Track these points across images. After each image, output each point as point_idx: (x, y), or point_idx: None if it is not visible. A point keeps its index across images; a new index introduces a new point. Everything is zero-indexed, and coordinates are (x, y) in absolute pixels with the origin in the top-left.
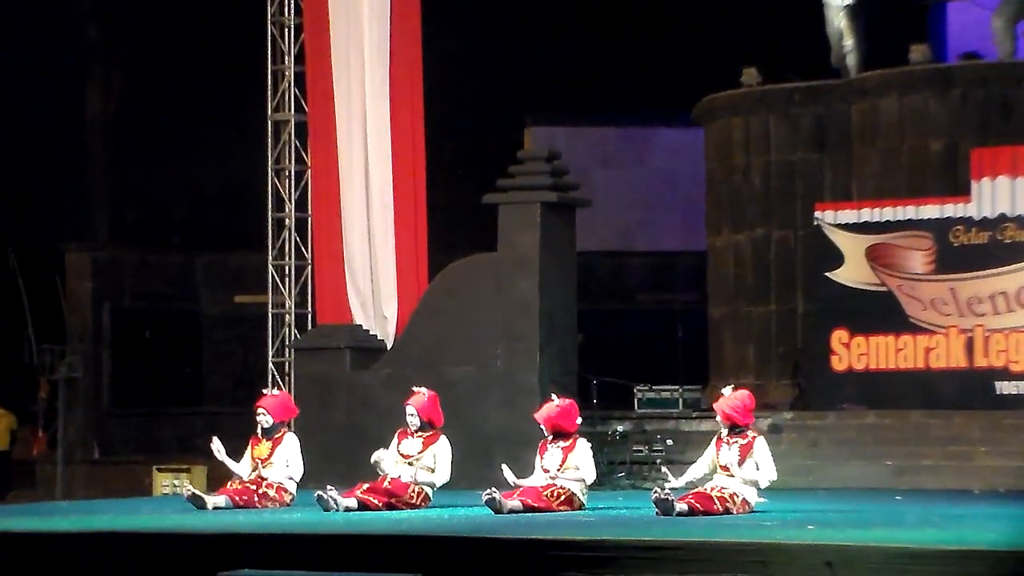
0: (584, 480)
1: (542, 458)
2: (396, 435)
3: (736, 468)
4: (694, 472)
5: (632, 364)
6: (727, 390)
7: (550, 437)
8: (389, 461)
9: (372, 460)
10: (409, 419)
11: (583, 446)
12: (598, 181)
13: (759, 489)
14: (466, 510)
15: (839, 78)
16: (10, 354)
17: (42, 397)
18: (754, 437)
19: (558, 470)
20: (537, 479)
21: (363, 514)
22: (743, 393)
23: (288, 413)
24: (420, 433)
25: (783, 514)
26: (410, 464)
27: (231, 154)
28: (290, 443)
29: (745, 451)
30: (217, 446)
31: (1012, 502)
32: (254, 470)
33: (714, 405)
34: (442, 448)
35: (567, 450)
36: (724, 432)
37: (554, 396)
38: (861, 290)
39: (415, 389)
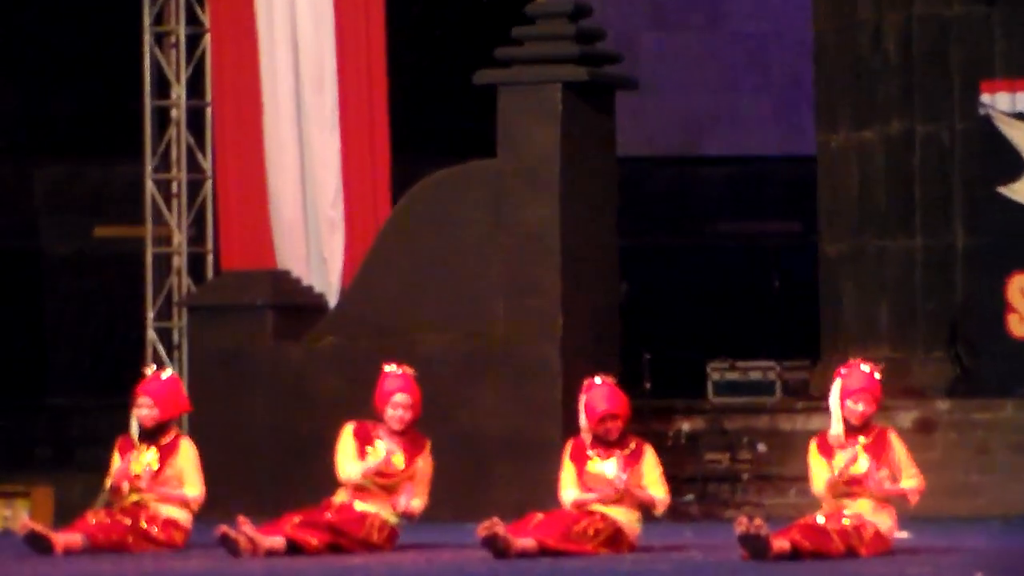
0: (655, 505)
1: (583, 465)
2: (351, 435)
3: (873, 480)
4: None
5: (704, 328)
6: (865, 367)
7: (590, 439)
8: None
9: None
10: (397, 414)
11: (652, 456)
12: (649, 51)
13: (902, 506)
14: (453, 553)
15: None
16: None
17: None
18: (883, 431)
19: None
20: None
21: (294, 561)
22: (868, 367)
23: (180, 406)
24: (400, 437)
25: (936, 556)
26: (388, 488)
27: (88, 13)
28: (187, 452)
29: (880, 452)
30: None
31: None
32: (128, 493)
33: (865, 390)
34: (428, 462)
35: (630, 461)
36: (837, 431)
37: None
38: None
39: (388, 370)
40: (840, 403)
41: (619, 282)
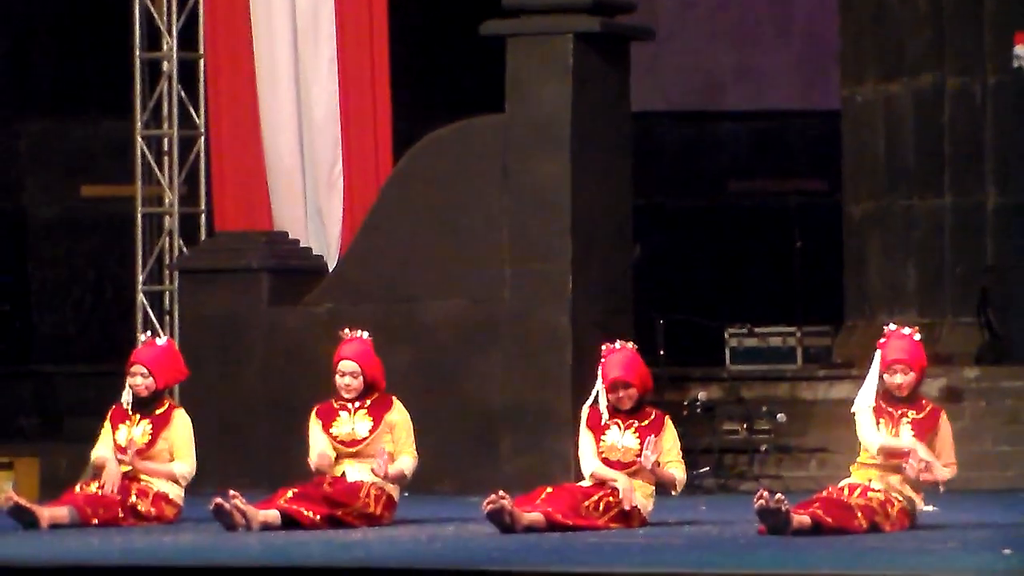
0: (675, 486)
1: (600, 440)
2: (314, 414)
3: (917, 456)
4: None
5: (721, 292)
6: (903, 330)
7: (606, 413)
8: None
9: (315, 467)
10: (343, 382)
11: (673, 430)
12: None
13: (932, 490)
14: (457, 527)
15: None
16: None
17: None
18: (936, 410)
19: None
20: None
21: (291, 535)
22: (907, 331)
23: (176, 374)
24: (360, 403)
25: (962, 531)
26: (356, 454)
27: None
28: (181, 424)
29: (927, 429)
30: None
31: None
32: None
33: (907, 359)
34: (400, 416)
35: (650, 432)
36: (860, 404)
37: (618, 342)
38: None
39: (345, 334)
40: (879, 376)
41: (632, 244)
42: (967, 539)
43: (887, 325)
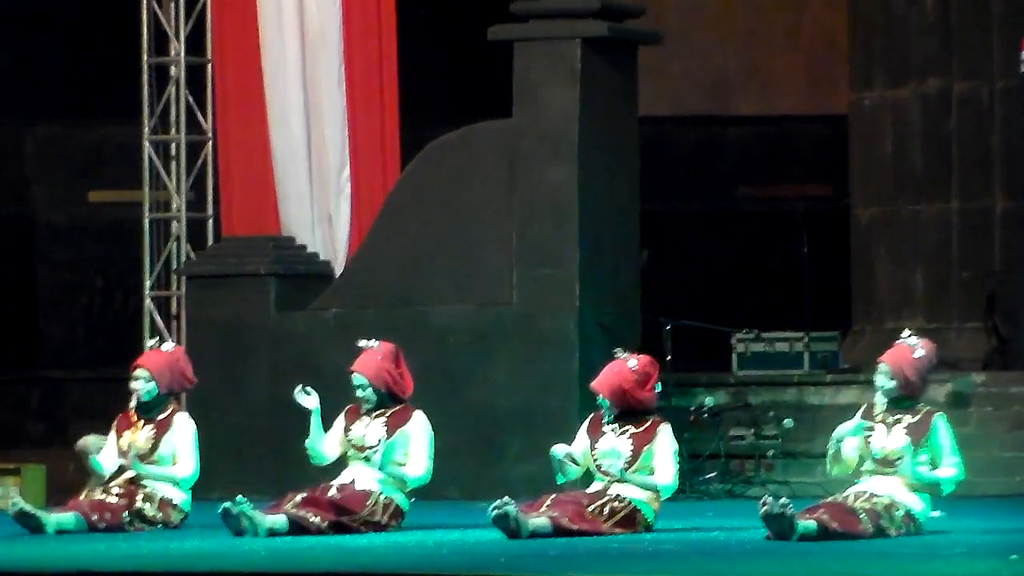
0: (658, 491)
1: (595, 439)
2: (344, 414)
3: (908, 459)
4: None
5: (729, 297)
6: (911, 338)
7: (608, 417)
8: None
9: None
10: (356, 394)
11: (666, 437)
12: (674, 4)
13: (935, 495)
14: (462, 533)
15: None
16: None
17: None
18: (930, 412)
19: (626, 469)
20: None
21: (297, 539)
22: (932, 348)
23: (181, 380)
24: (380, 412)
25: (969, 536)
26: (367, 460)
27: None
28: (182, 428)
29: (920, 433)
30: (89, 443)
31: None
32: (120, 472)
33: (887, 360)
34: (417, 428)
35: (642, 439)
36: (881, 404)
37: (620, 353)
38: None
39: (362, 344)
40: None
41: (640, 249)
42: (974, 545)
43: (899, 330)
